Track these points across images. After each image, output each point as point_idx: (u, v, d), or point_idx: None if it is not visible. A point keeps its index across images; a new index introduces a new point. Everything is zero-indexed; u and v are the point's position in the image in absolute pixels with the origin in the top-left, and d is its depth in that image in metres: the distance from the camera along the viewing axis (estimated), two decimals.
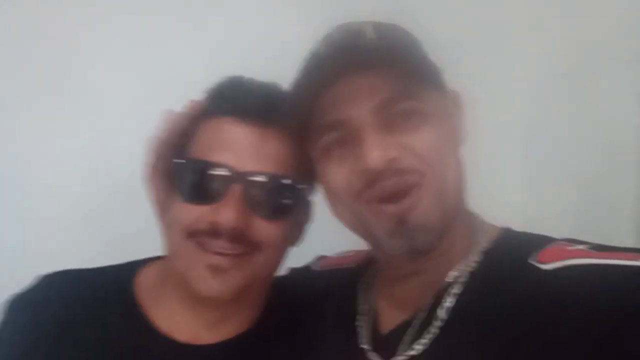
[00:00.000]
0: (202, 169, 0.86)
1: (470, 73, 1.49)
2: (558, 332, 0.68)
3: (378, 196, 0.80)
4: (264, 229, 0.87)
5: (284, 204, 0.89)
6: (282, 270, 1.17)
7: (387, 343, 0.85)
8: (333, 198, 0.88)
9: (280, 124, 0.89)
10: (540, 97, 1.60)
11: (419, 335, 0.82)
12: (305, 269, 1.20)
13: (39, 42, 1.59)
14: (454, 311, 0.81)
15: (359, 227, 0.87)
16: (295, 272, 1.20)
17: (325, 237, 1.22)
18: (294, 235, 0.99)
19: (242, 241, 0.85)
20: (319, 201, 0.99)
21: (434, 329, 0.81)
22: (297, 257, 1.19)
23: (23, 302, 0.95)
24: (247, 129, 0.87)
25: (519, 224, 1.38)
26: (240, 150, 0.86)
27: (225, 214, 0.83)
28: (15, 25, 1.59)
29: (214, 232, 0.84)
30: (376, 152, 0.77)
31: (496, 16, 1.63)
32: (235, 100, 0.90)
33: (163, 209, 0.94)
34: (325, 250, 1.24)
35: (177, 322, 0.92)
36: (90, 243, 1.32)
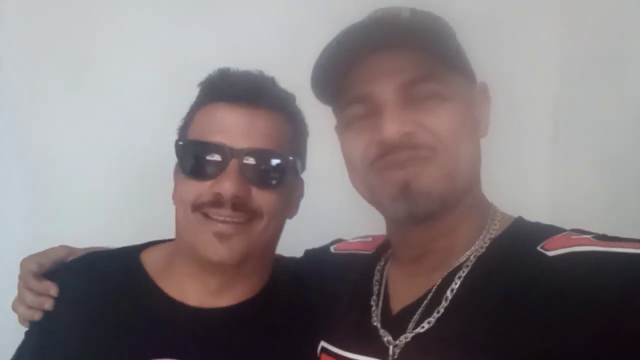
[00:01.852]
0: (201, 148, 0.98)
1: (498, 55, 1.49)
2: (559, 314, 0.71)
3: (388, 166, 0.86)
4: (261, 197, 0.97)
5: (276, 174, 0.99)
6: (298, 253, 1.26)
7: (397, 322, 0.90)
8: (350, 167, 0.95)
9: (266, 105, 0.99)
10: (568, 78, 1.57)
11: (427, 315, 0.86)
12: (321, 251, 1.26)
13: (58, 35, 1.64)
14: (460, 292, 0.85)
15: (369, 195, 0.93)
16: (309, 253, 1.27)
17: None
18: (289, 207, 1.10)
19: (243, 209, 0.96)
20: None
21: (441, 309, 0.85)
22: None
23: (61, 281, 1.05)
24: (237, 111, 0.98)
25: (546, 205, 1.37)
26: (233, 130, 0.97)
27: (226, 184, 0.93)
28: (34, 19, 1.64)
29: (217, 201, 0.94)
30: (393, 125, 0.83)
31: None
32: (224, 88, 1.01)
33: (174, 190, 1.05)
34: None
35: (186, 290, 1.02)
36: (118, 229, 1.36)
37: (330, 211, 1.54)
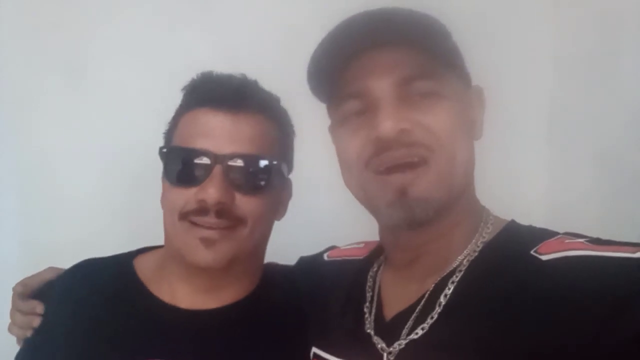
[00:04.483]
0: (185, 155, 0.98)
1: (491, 55, 1.48)
2: (553, 319, 0.70)
3: (384, 165, 0.85)
4: (245, 203, 0.97)
5: (261, 179, 0.99)
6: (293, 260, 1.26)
7: (391, 328, 0.89)
8: (344, 167, 0.94)
9: (250, 108, 0.99)
10: (563, 76, 1.57)
11: (420, 321, 0.85)
12: (314, 258, 1.25)
13: (53, 37, 1.63)
14: (453, 297, 0.84)
15: (364, 197, 0.92)
16: (303, 260, 1.26)
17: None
18: (276, 210, 1.10)
19: (227, 216, 0.96)
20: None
21: (434, 315, 0.84)
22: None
23: (54, 291, 1.09)
24: (221, 116, 0.98)
25: (542, 207, 1.37)
26: (217, 135, 0.97)
27: (210, 191, 0.93)
28: (29, 21, 1.64)
29: (202, 209, 0.95)
30: (389, 121, 0.82)
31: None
32: (208, 92, 1.00)
33: (162, 196, 1.06)
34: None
35: (177, 293, 1.04)
36: (112, 233, 1.40)
37: (327, 216, 1.54)
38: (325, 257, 1.23)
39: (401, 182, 0.84)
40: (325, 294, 1.07)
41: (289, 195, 1.15)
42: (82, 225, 1.60)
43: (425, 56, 0.84)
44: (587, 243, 0.78)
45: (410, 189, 0.83)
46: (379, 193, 0.87)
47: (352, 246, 1.20)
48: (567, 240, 0.80)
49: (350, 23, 0.86)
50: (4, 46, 1.64)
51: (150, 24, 1.65)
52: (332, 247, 1.26)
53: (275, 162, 1.02)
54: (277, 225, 1.14)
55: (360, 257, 1.11)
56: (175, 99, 1.07)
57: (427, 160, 0.84)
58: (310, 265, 1.22)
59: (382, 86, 0.84)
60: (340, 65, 0.87)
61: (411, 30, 0.84)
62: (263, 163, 0.99)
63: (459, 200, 0.89)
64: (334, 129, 0.97)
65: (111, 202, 1.63)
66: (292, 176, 1.16)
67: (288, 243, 1.19)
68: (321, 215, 1.54)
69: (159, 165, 1.06)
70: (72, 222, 1.62)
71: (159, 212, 1.06)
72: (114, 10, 1.64)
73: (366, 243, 1.16)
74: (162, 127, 1.09)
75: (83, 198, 1.64)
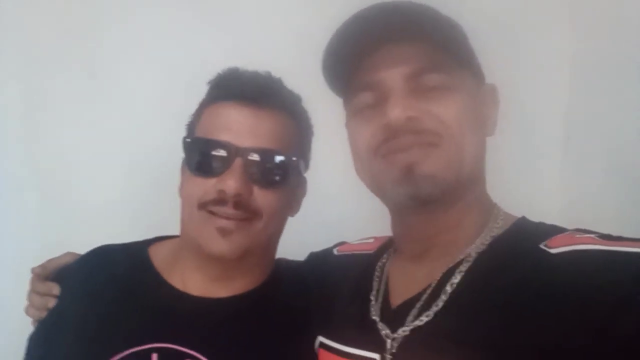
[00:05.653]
0: (207, 146, 1.00)
1: (509, 59, 1.49)
2: (559, 311, 0.70)
3: (392, 150, 0.88)
4: (262, 196, 1.00)
5: (278, 174, 1.02)
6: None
7: (396, 316, 0.90)
8: (356, 155, 0.97)
9: (272, 105, 1.02)
10: (579, 84, 1.57)
11: (426, 308, 0.86)
12: (324, 253, 1.27)
13: (71, 39, 1.67)
14: (459, 287, 0.85)
15: (372, 181, 0.95)
16: (313, 255, 1.28)
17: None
18: (290, 205, 1.13)
19: (244, 207, 0.98)
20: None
21: (440, 303, 0.85)
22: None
23: (70, 275, 1.13)
24: (244, 111, 1.00)
25: (557, 211, 1.36)
26: (239, 128, 1.00)
27: (229, 182, 0.96)
28: (47, 23, 1.67)
29: (221, 199, 0.97)
30: (398, 109, 0.85)
31: (535, 1, 1.60)
32: (232, 87, 1.04)
33: (181, 186, 1.09)
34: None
35: (191, 281, 1.06)
36: (131, 234, 1.38)
37: (339, 216, 1.56)
38: (335, 251, 1.24)
39: (407, 159, 0.86)
40: (334, 285, 1.08)
41: (303, 192, 1.17)
42: (101, 226, 1.60)
43: (437, 51, 0.87)
44: (597, 238, 0.78)
45: (417, 166, 0.86)
46: (386, 173, 0.89)
47: (362, 241, 1.22)
48: (577, 235, 0.81)
49: (362, 18, 0.89)
50: (25, 48, 1.68)
51: (166, 27, 1.68)
52: (342, 243, 1.27)
53: (294, 159, 1.04)
54: (290, 224, 1.16)
55: (370, 252, 1.12)
56: (193, 101, 1.10)
57: (435, 145, 0.86)
58: (320, 260, 1.24)
59: (393, 77, 0.88)
60: (354, 60, 0.91)
61: (423, 25, 0.87)
62: (282, 159, 1.02)
63: (468, 191, 0.91)
64: (348, 120, 1.00)
65: (130, 203, 1.65)
66: (306, 175, 1.17)
67: (300, 241, 1.21)
68: (332, 215, 1.55)
69: (177, 166, 1.10)
70: (91, 223, 1.64)
71: (178, 213, 1.09)
72: (129, 14, 1.68)
73: (376, 238, 1.17)
74: (180, 128, 1.11)
75: (102, 199, 1.66)
